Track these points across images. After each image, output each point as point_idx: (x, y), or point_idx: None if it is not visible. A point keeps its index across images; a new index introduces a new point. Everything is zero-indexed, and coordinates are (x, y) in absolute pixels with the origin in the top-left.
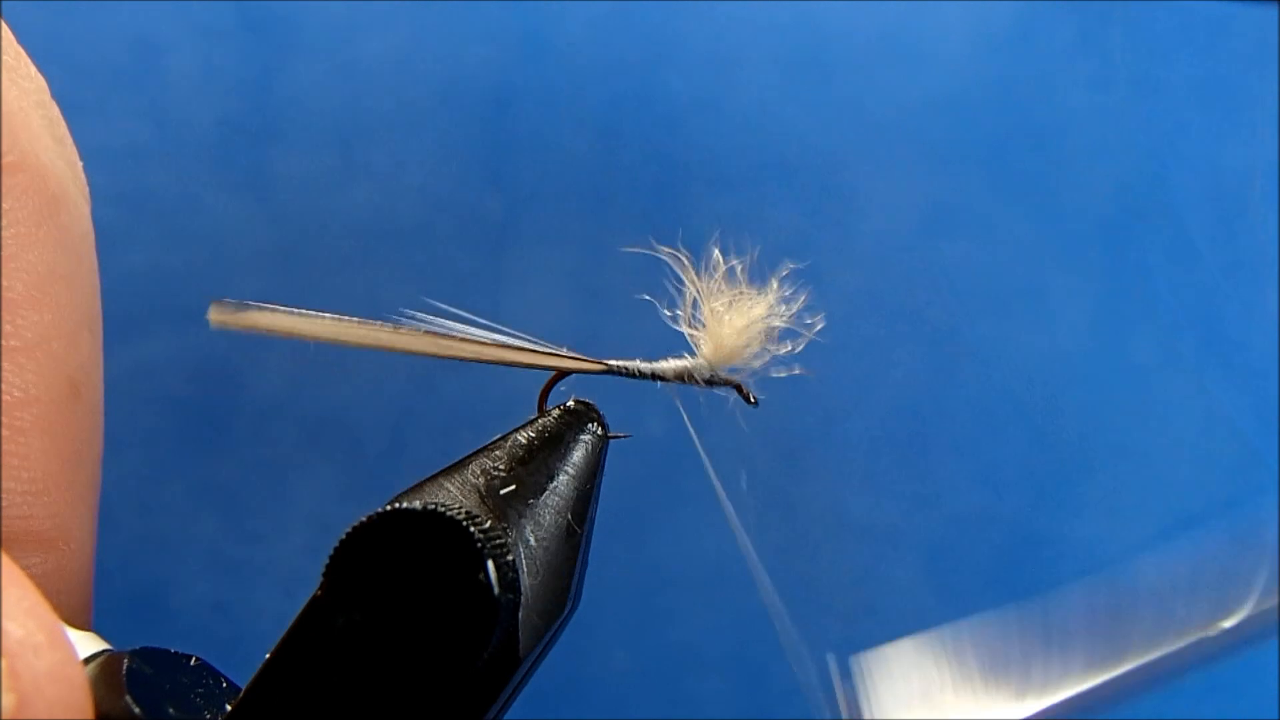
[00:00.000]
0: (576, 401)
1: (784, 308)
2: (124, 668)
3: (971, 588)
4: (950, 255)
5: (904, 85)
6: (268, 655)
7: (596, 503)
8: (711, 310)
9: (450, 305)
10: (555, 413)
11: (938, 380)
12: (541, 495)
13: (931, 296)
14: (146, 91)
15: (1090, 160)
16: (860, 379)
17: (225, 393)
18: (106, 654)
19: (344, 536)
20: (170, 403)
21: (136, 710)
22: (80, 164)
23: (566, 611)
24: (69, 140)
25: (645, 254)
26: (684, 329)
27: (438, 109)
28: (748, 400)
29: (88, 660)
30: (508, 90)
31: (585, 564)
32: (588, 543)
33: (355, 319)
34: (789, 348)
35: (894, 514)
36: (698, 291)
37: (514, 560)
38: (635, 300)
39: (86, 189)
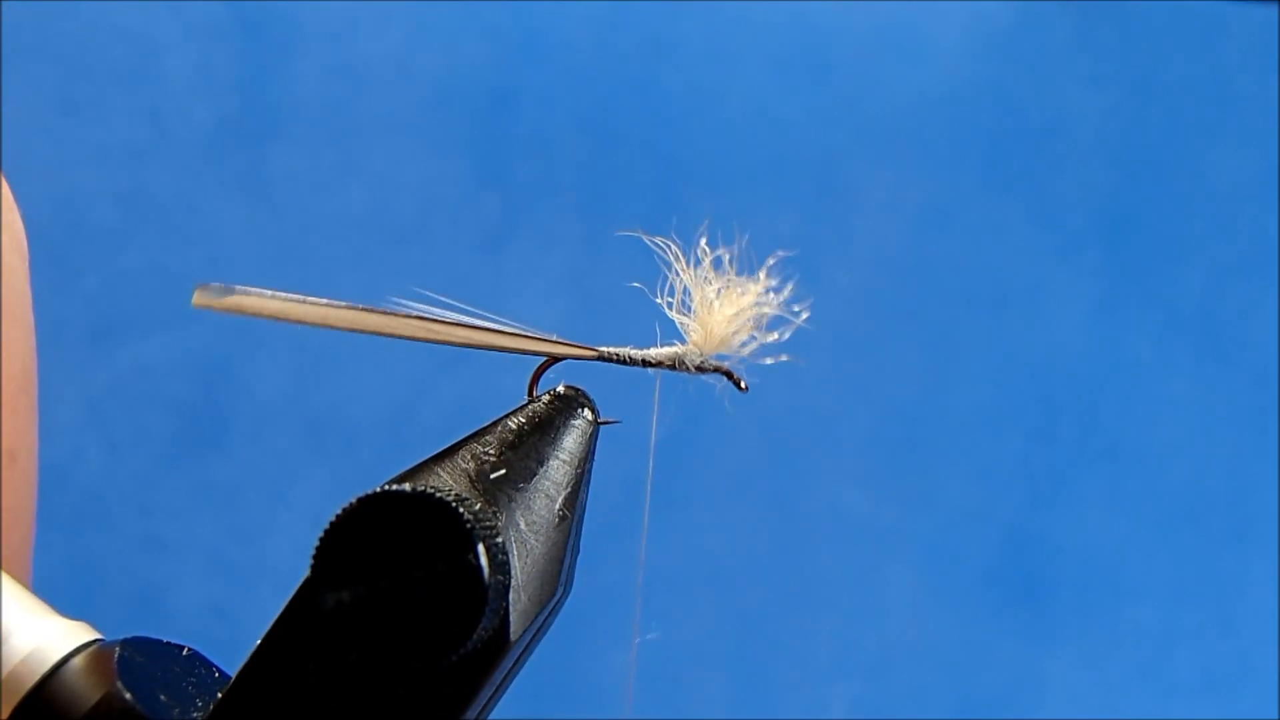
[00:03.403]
0: (566, 387)
1: (772, 296)
2: (115, 656)
3: (970, 587)
4: (948, 253)
5: (901, 84)
6: (259, 640)
7: (587, 488)
8: (702, 298)
9: (445, 299)
10: (545, 398)
11: (936, 379)
12: (532, 480)
13: (929, 295)
14: (144, 91)
15: (1088, 158)
16: (859, 379)
17: (225, 393)
18: (98, 643)
19: (334, 519)
20: (170, 403)
21: (128, 696)
22: (18, 218)
23: (558, 596)
24: (7, 193)
25: (642, 251)
26: (674, 316)
27: (434, 107)
28: (738, 386)
29: (79, 650)
30: (505, 89)
31: (577, 549)
32: (579, 528)
33: (344, 302)
34: (778, 335)
35: (893, 514)
36: (688, 280)
37: (504, 543)
38: (633, 298)
39: (24, 244)
